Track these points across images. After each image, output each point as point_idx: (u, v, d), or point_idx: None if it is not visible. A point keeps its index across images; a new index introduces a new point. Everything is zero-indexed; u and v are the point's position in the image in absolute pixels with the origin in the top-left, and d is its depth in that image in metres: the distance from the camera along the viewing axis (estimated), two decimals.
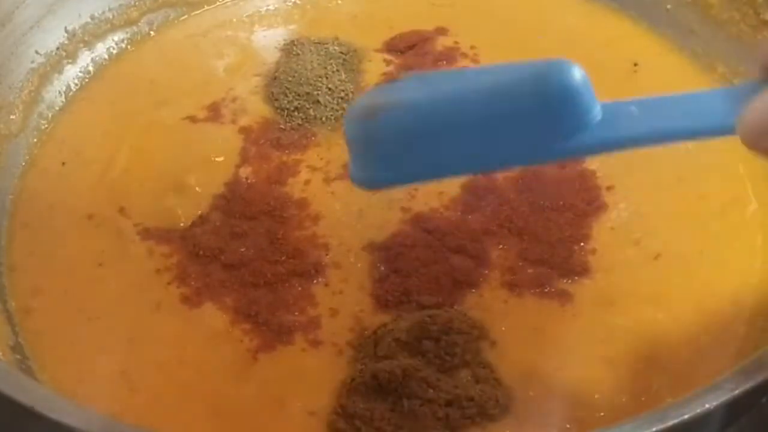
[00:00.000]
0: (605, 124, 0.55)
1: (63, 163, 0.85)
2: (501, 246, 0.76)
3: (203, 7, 1.02)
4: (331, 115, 0.87)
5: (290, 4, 1.02)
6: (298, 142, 0.86)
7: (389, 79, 0.92)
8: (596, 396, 0.67)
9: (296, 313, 0.72)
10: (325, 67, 0.90)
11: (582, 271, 0.74)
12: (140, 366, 0.70)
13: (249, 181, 0.82)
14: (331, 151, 0.85)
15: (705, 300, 0.73)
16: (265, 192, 0.81)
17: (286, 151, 0.85)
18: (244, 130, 0.87)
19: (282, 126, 0.87)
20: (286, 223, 0.78)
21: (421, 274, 0.74)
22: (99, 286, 0.75)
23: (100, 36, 0.96)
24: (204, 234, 0.78)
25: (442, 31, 0.97)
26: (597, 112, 0.55)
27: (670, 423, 0.53)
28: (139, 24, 0.99)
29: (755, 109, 0.50)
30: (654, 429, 0.52)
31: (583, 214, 0.78)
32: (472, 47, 0.95)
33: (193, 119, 0.89)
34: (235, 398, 0.68)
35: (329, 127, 0.87)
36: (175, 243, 0.77)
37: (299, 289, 0.74)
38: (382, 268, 0.75)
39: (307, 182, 0.82)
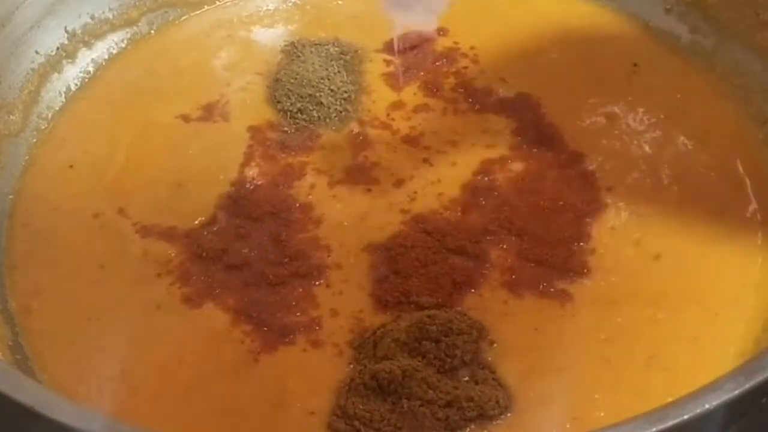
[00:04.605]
0: None
1: (71, 166, 0.85)
2: (501, 246, 0.76)
3: (203, 7, 1.02)
4: (335, 116, 0.87)
5: (290, 4, 1.02)
6: (303, 144, 0.86)
7: (390, 79, 0.92)
8: (596, 396, 0.67)
9: (297, 314, 0.72)
10: (327, 69, 0.90)
11: (582, 271, 0.74)
12: (140, 366, 0.70)
13: (255, 182, 0.82)
14: (335, 154, 0.85)
15: (705, 300, 0.73)
16: (270, 194, 0.81)
17: (292, 153, 0.85)
18: (248, 131, 0.87)
19: (286, 128, 0.87)
20: (290, 225, 0.78)
21: (421, 274, 0.74)
22: (99, 286, 0.75)
23: (100, 36, 0.96)
24: (209, 235, 0.78)
25: (442, 31, 0.97)
26: None
27: (670, 423, 0.52)
28: (139, 24, 0.99)
29: None
30: (654, 429, 0.52)
31: (583, 214, 0.78)
32: (472, 47, 0.95)
33: (192, 119, 0.89)
34: (235, 398, 0.68)
35: (333, 128, 0.87)
36: (177, 243, 0.77)
37: (300, 290, 0.74)
38: (382, 269, 0.75)
39: (312, 186, 0.82)
